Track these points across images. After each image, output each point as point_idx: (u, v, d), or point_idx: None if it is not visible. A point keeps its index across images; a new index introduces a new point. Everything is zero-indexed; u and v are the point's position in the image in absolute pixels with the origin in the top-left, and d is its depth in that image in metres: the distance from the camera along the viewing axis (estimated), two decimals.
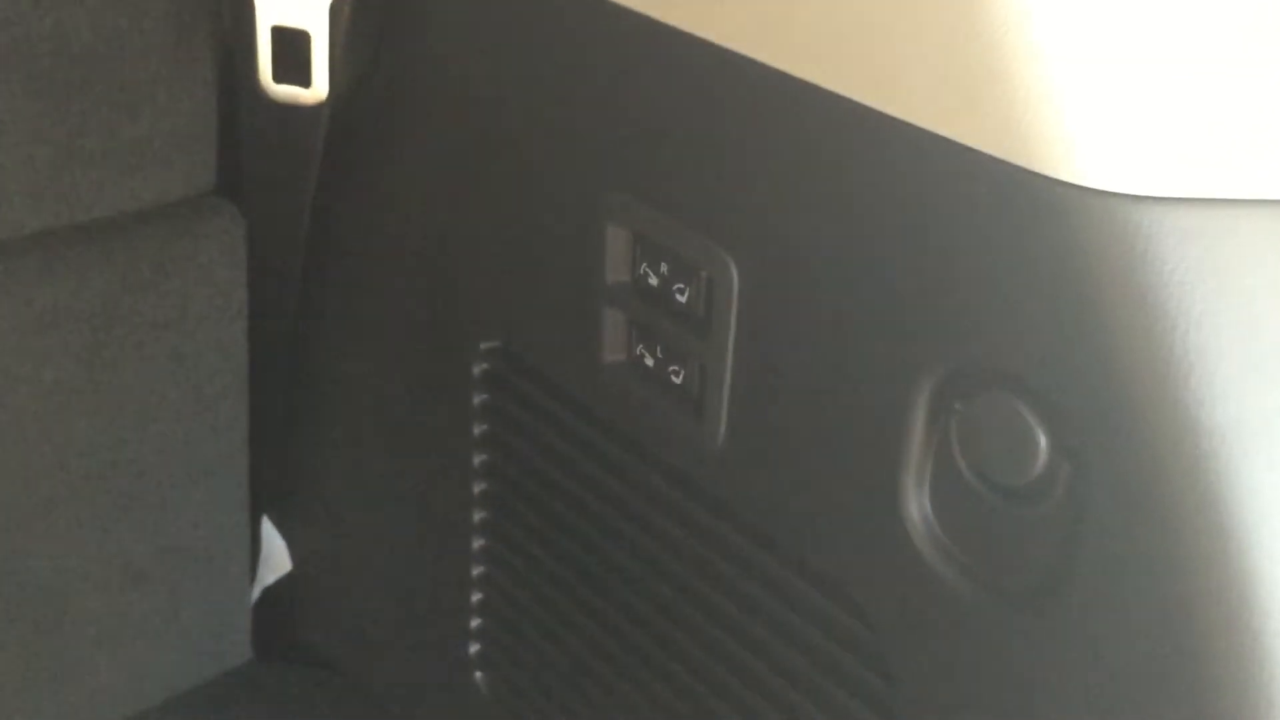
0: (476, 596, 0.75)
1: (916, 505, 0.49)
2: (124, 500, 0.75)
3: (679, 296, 0.55)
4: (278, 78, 0.59)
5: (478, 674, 0.75)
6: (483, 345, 0.68)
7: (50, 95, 0.62)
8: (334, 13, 0.58)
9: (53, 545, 0.73)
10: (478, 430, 0.70)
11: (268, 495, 0.86)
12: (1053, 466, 0.44)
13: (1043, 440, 0.44)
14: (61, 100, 0.63)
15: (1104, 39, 0.39)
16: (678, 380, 0.57)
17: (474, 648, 0.75)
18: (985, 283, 0.44)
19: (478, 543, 0.73)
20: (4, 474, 0.70)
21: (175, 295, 0.71)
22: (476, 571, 0.74)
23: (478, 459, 0.71)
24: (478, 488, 0.72)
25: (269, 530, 0.88)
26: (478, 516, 0.73)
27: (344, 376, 0.79)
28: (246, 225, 0.71)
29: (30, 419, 0.69)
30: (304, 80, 0.60)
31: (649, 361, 0.58)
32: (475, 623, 0.74)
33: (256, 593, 0.88)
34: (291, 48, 0.59)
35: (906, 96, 0.43)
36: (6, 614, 0.73)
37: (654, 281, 0.56)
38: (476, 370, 0.69)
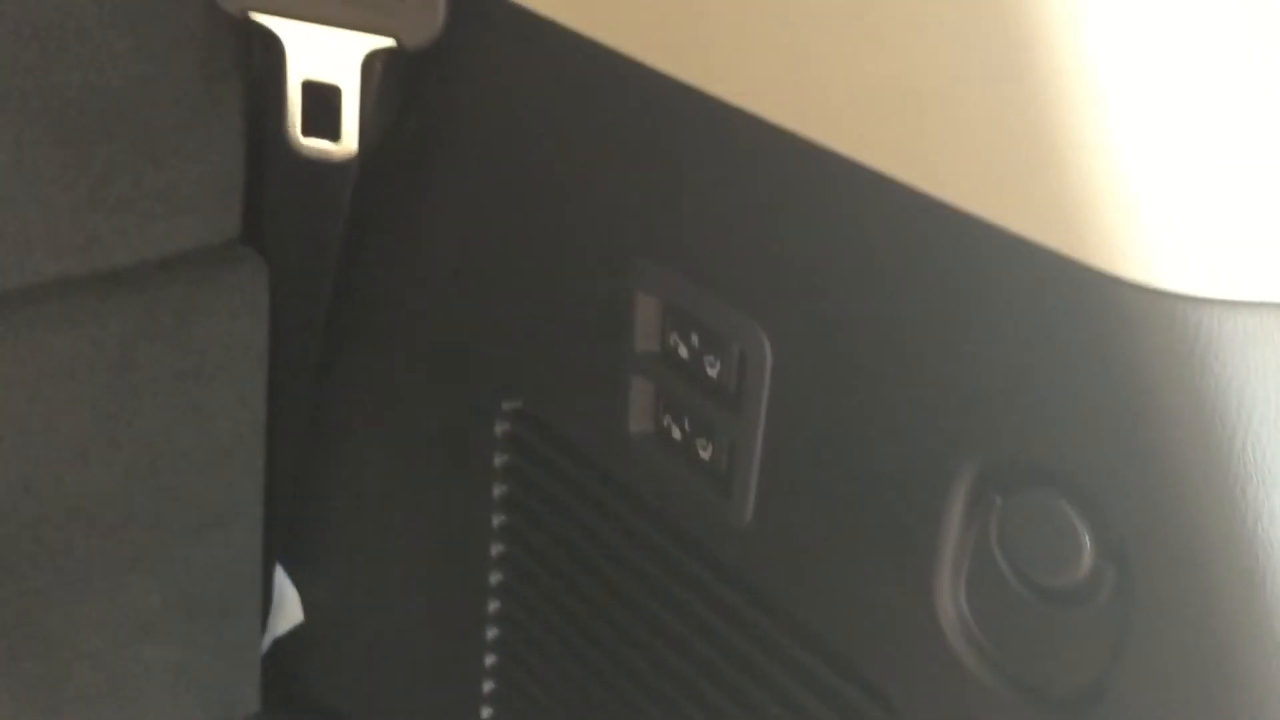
0: (491, 660, 0.73)
1: (952, 599, 0.47)
2: (136, 551, 0.73)
3: (710, 369, 0.54)
4: (307, 131, 0.59)
5: None
6: (505, 405, 0.66)
7: (76, 143, 0.62)
8: (365, 69, 0.57)
9: (62, 594, 0.72)
10: (498, 491, 0.69)
11: (282, 544, 0.84)
12: (1098, 570, 0.42)
13: (1087, 542, 0.42)
14: (87, 148, 0.62)
15: (1169, 137, 0.38)
16: (705, 455, 0.55)
17: (486, 712, 0.73)
18: (1032, 376, 0.42)
19: (494, 605, 0.72)
20: (15, 522, 0.69)
21: (196, 344, 0.70)
22: (491, 635, 0.72)
23: (497, 520, 0.70)
24: (495, 549, 0.70)
25: (282, 579, 0.87)
26: (495, 579, 0.71)
27: (363, 428, 0.77)
28: (270, 275, 0.70)
29: (44, 468, 0.68)
30: (334, 135, 0.59)
31: (676, 434, 0.56)
32: (489, 686, 0.73)
33: (267, 643, 0.87)
34: (322, 102, 0.58)
35: (956, 180, 0.42)
36: (14, 663, 0.72)
37: (684, 353, 0.55)
38: (498, 430, 0.67)
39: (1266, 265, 0.39)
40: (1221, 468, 0.39)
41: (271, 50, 0.58)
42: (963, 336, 0.44)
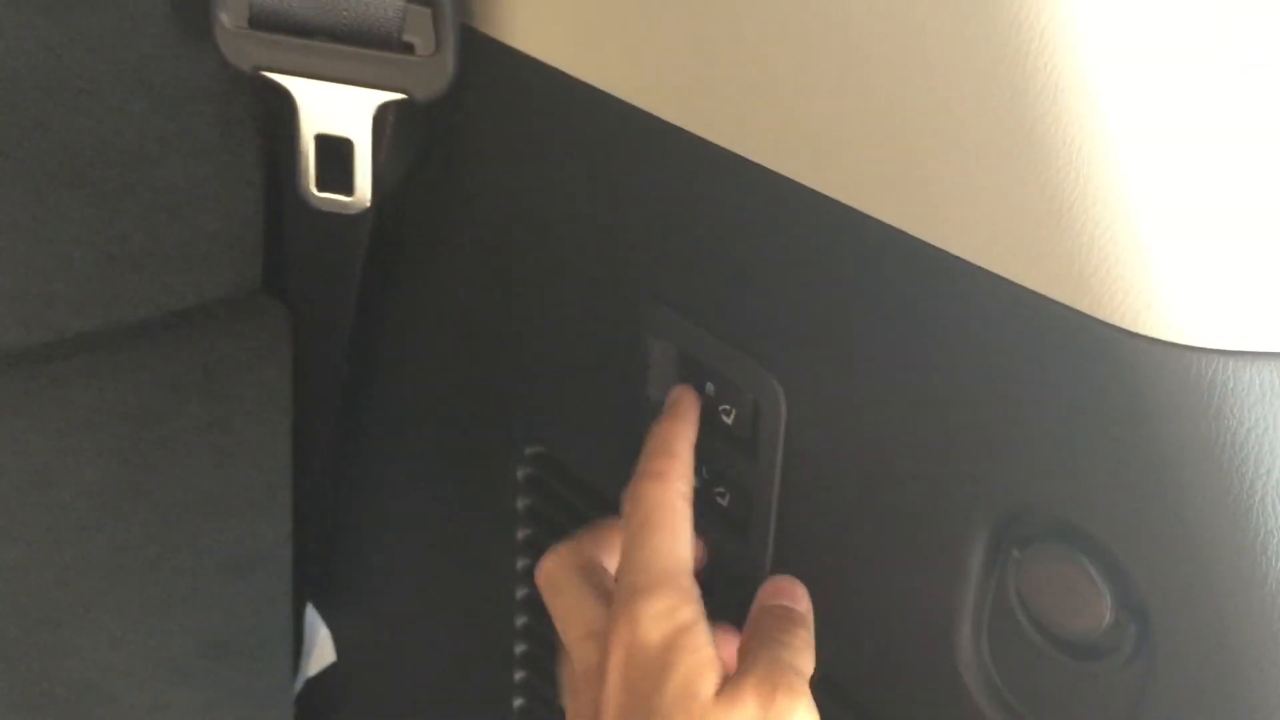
0: (519, 702, 0.73)
1: (973, 652, 0.46)
2: (164, 597, 0.74)
3: (725, 418, 0.53)
4: (321, 185, 0.59)
5: None
6: (527, 450, 0.66)
7: (95, 200, 0.62)
8: (377, 121, 0.57)
9: (91, 642, 0.73)
10: (521, 534, 0.69)
11: (314, 585, 0.85)
12: (1118, 623, 0.42)
13: (1107, 596, 0.42)
14: (107, 204, 0.63)
15: (1182, 191, 0.37)
16: (724, 502, 0.55)
17: None
18: (1047, 430, 0.41)
19: (520, 648, 0.72)
20: (43, 572, 0.70)
21: (220, 393, 0.70)
22: (519, 676, 0.72)
23: (520, 563, 0.69)
24: (520, 592, 0.70)
25: (314, 619, 0.87)
26: (520, 621, 0.71)
27: (389, 472, 0.77)
28: (293, 323, 0.71)
29: (70, 518, 0.69)
30: (347, 188, 0.59)
31: (694, 481, 0.56)
32: None
33: (300, 684, 0.87)
34: (335, 155, 0.58)
35: (971, 235, 0.41)
36: (45, 712, 0.73)
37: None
38: (520, 474, 0.67)
39: None
40: (1241, 521, 0.38)
41: (285, 103, 0.58)
42: (978, 390, 0.43)
